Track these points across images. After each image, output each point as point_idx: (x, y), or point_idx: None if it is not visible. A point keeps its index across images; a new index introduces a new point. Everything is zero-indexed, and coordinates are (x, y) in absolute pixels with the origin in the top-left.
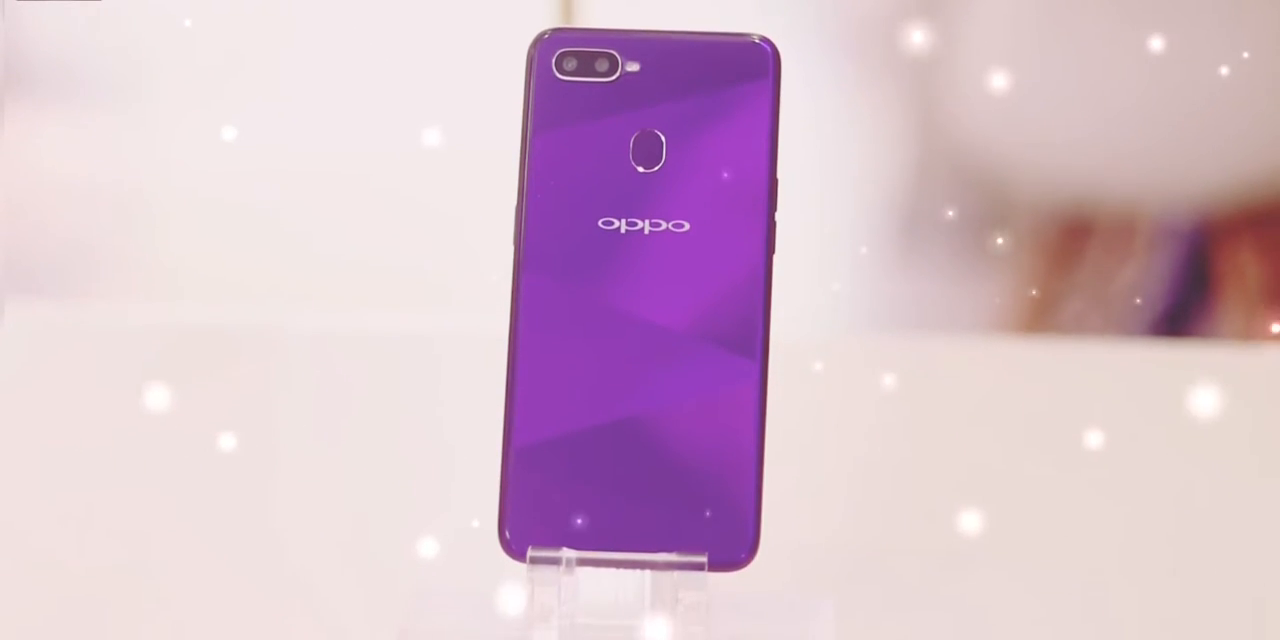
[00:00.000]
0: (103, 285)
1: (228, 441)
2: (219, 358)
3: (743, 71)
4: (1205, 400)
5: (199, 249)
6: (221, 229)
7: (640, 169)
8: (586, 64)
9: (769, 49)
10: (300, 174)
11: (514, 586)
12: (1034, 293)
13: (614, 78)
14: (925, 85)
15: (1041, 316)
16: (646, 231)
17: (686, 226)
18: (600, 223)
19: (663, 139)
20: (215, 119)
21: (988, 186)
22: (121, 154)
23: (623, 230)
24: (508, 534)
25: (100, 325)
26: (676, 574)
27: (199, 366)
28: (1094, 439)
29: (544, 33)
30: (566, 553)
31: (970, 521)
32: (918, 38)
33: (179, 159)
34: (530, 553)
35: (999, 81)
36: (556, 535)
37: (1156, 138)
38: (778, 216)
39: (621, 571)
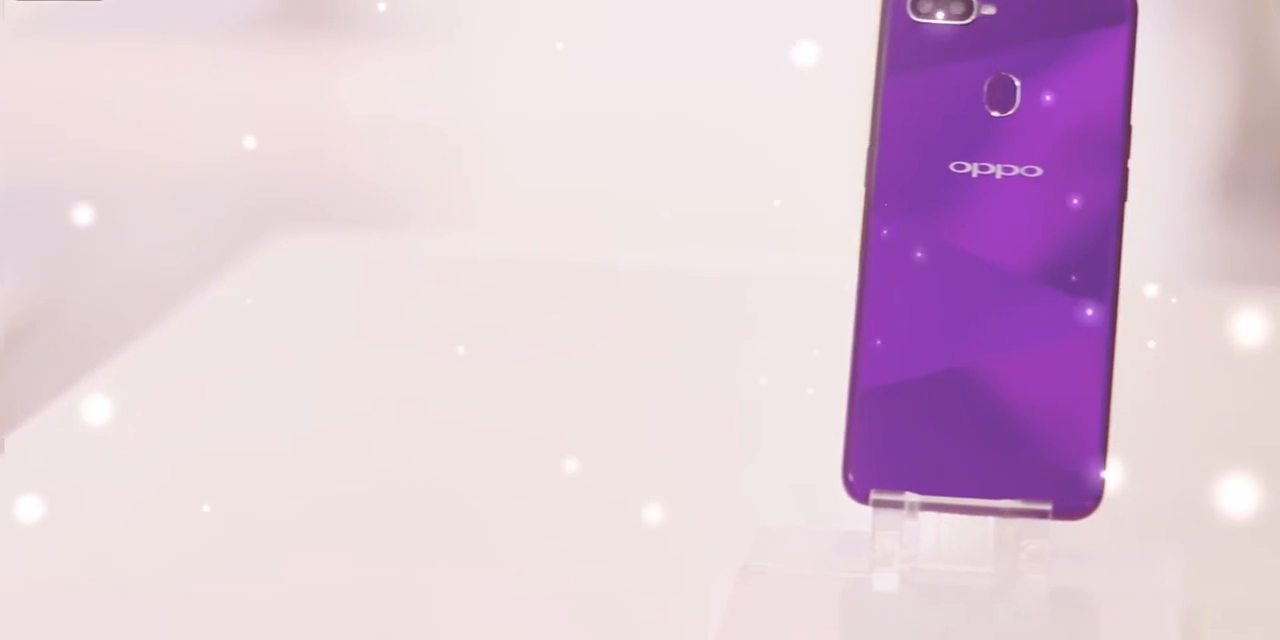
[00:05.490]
0: (411, 220)
1: (542, 376)
2: (534, 293)
3: (1100, 16)
4: None
5: (511, 186)
6: (535, 167)
7: (994, 113)
8: (942, 6)
9: None
10: (623, 114)
11: (856, 529)
12: None
13: (969, 20)
14: (1252, 29)
15: None
16: (999, 176)
17: (1039, 172)
18: (952, 166)
19: (1017, 83)
20: (531, 58)
21: None
22: (434, 93)
23: (975, 174)
24: (851, 477)
25: (407, 257)
26: (1020, 521)
27: (511, 300)
28: None
29: None
30: (910, 497)
31: None
32: None
33: (492, 99)
34: (874, 496)
35: None
36: (900, 479)
37: None
38: (1129, 163)
39: (964, 518)
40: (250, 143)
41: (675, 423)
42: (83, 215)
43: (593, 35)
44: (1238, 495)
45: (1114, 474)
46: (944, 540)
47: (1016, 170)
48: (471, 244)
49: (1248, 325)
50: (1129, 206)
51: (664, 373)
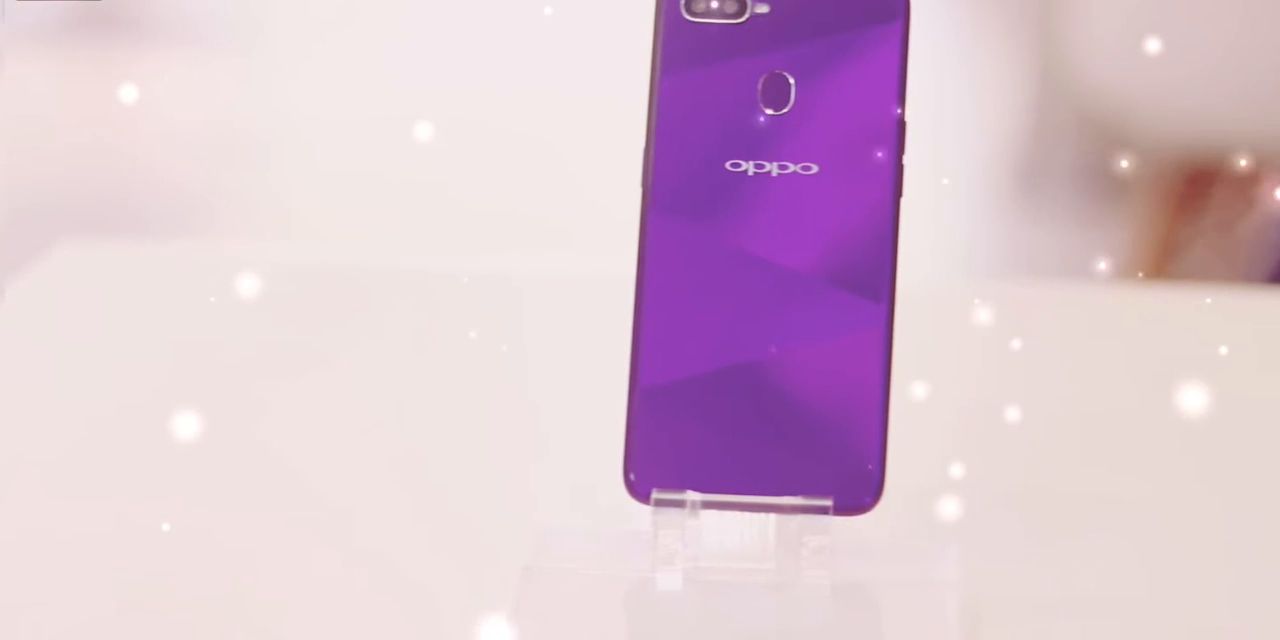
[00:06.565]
0: (216, 226)
1: (347, 379)
2: (333, 296)
3: (873, 14)
4: None
5: (313, 192)
6: (337, 172)
7: (769, 111)
8: (715, 5)
9: None
10: (419, 117)
11: (639, 529)
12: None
13: (743, 19)
14: (1046, 26)
15: (1163, 263)
16: (774, 174)
17: (815, 169)
18: (728, 165)
19: (791, 81)
20: (332, 63)
21: (1108, 131)
22: (239, 98)
23: (750, 172)
24: (632, 476)
25: (204, 263)
26: (801, 518)
27: (314, 305)
28: (1219, 390)
29: None
30: (691, 495)
31: (1096, 471)
32: None
33: (296, 103)
34: (655, 495)
35: (1123, 22)
36: (681, 478)
37: None
38: (904, 160)
39: (746, 515)
40: (47, 149)
41: (459, 422)
42: None
43: (398, 36)
44: (1016, 488)
45: (894, 469)
46: (726, 538)
47: (792, 168)
48: (276, 248)
49: (1039, 319)
50: (916, 202)
51: (446, 372)
